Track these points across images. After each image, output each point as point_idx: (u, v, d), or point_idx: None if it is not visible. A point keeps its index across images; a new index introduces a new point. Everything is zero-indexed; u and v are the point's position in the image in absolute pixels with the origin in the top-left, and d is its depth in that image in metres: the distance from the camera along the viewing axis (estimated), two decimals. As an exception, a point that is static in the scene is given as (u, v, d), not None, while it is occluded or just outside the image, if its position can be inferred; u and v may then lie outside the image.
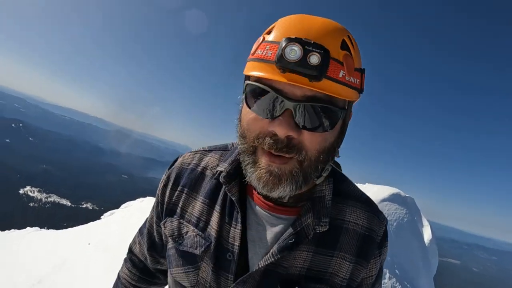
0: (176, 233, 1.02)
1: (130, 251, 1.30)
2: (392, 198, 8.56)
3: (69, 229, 9.87)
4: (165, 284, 1.25)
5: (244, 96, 0.86)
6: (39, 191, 76.49)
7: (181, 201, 1.05)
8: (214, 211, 0.99)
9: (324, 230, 0.93)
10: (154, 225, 1.15)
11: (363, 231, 0.99)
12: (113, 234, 7.94)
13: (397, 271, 7.20)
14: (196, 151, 1.13)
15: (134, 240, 1.28)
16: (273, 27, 0.84)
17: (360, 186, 8.29)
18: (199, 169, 1.07)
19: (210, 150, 1.12)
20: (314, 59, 0.74)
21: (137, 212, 9.86)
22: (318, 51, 0.74)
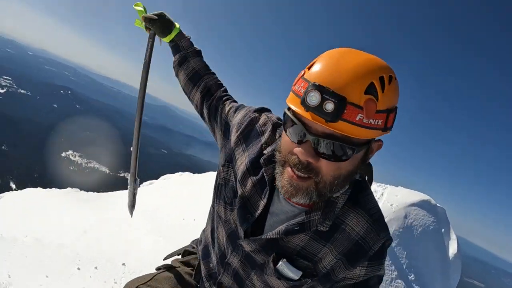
0: (228, 178, 1.32)
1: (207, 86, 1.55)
2: (422, 204, 8.37)
3: (109, 192, 10.38)
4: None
5: (283, 121, 1.05)
6: (80, 156, 79.71)
7: (237, 154, 1.30)
8: (251, 180, 1.22)
9: (324, 230, 1.11)
10: (218, 103, 1.47)
11: (357, 238, 1.12)
12: (151, 201, 8.20)
13: (413, 275, 7.14)
14: (269, 117, 1.32)
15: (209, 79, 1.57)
16: (313, 63, 0.97)
17: (392, 188, 8.20)
18: (257, 128, 1.29)
19: (277, 122, 1.30)
20: (329, 106, 0.87)
21: (175, 184, 10.23)
22: (334, 100, 0.87)
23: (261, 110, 1.35)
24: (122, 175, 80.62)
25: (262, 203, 1.18)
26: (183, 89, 1.63)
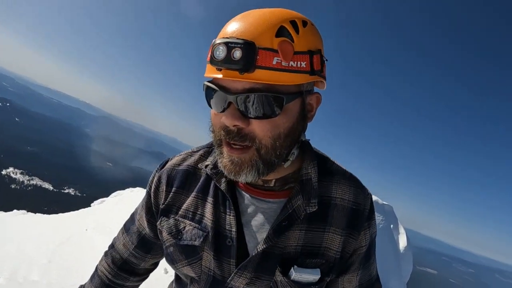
0: (174, 230, 1.07)
1: (112, 246, 1.32)
2: (368, 204, 9.31)
3: (61, 214, 9.92)
4: (140, 282, 1.35)
5: (205, 96, 0.93)
6: (21, 173, 75.97)
7: (175, 201, 1.10)
8: (207, 203, 1.05)
9: (314, 210, 0.99)
10: (146, 223, 1.20)
11: (350, 205, 1.04)
12: (110, 221, 7.98)
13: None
14: (184, 153, 1.20)
15: (118, 236, 1.32)
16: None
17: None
18: (190, 168, 1.13)
19: (198, 150, 1.18)
20: (237, 53, 0.80)
21: (128, 201, 9.84)
22: (240, 45, 0.80)
23: (163, 166, 1.19)
24: (66, 191, 78.36)
25: (231, 218, 1.01)
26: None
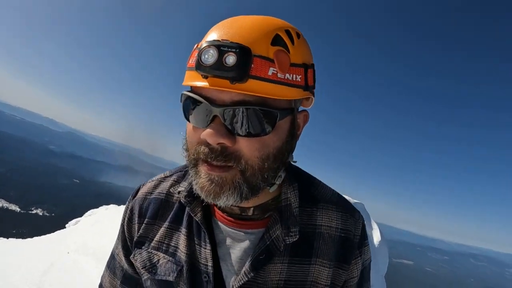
0: (148, 264, 0.99)
1: (101, 286, 1.19)
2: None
3: (37, 238, 9.75)
4: None
5: (181, 106, 0.83)
6: (-14, 195, 74.18)
7: (148, 232, 1.01)
8: (181, 234, 0.96)
9: (295, 240, 0.90)
10: (124, 258, 1.10)
11: (338, 233, 0.95)
12: (90, 241, 7.76)
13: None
14: (156, 178, 1.10)
15: (103, 275, 1.19)
16: (208, 33, 0.80)
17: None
18: (162, 196, 1.04)
19: (171, 174, 1.09)
20: (230, 59, 0.70)
21: (105, 220, 9.66)
22: (234, 50, 0.70)
23: (134, 196, 1.10)
24: (34, 211, 75.93)
25: (207, 251, 0.91)
26: None
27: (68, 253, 7.55)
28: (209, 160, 0.78)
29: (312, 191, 0.99)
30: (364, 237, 1.00)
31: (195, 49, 0.80)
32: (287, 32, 0.79)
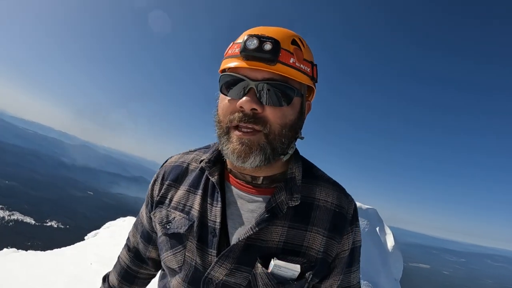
0: (164, 220, 1.17)
1: (128, 238, 1.43)
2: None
3: (56, 250, 9.64)
4: (154, 271, 1.42)
5: (220, 87, 1.06)
6: (1, 209, 74.17)
7: (169, 194, 1.21)
8: (197, 195, 1.15)
9: (296, 204, 1.07)
10: (145, 215, 1.31)
11: (333, 208, 1.12)
12: (111, 253, 7.90)
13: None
14: (183, 152, 1.31)
15: (132, 229, 1.43)
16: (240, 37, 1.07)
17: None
18: (184, 165, 1.24)
19: (195, 150, 1.30)
20: (268, 46, 0.96)
21: (123, 231, 9.95)
22: (271, 41, 0.97)
23: (163, 165, 1.32)
24: (49, 224, 76.45)
25: (217, 210, 1.08)
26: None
27: (91, 264, 7.50)
28: (242, 123, 0.99)
29: (313, 171, 1.19)
30: (356, 218, 1.17)
31: (233, 44, 1.05)
32: (299, 39, 1.06)
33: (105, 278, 1.50)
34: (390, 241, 10.54)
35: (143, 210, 1.35)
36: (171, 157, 1.32)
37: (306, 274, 1.06)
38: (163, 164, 1.31)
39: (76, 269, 7.18)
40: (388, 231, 10.80)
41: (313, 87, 1.12)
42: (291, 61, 1.00)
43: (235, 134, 1.01)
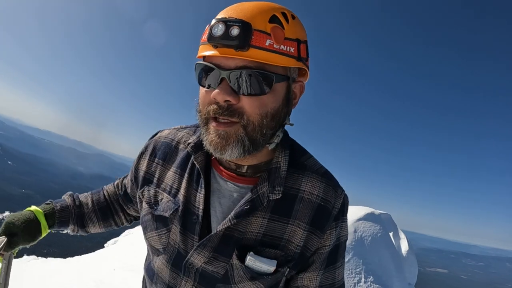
0: (152, 200, 1.14)
1: (115, 181, 1.48)
2: (367, 217, 9.59)
3: (76, 257, 9.76)
4: (128, 223, 1.48)
5: (196, 77, 0.97)
6: (17, 216, 74.72)
7: (157, 172, 1.18)
8: (183, 179, 1.11)
9: (277, 197, 1.02)
10: (129, 182, 1.33)
11: (318, 201, 1.05)
12: (133, 259, 7.96)
13: (371, 277, 8.20)
14: (173, 128, 1.26)
15: (122, 178, 1.46)
16: None
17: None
18: (174, 143, 1.19)
19: (186, 127, 1.24)
20: (235, 31, 0.86)
21: (142, 238, 9.45)
22: (238, 24, 0.86)
23: (152, 137, 1.29)
24: (65, 231, 72.21)
25: (201, 196, 1.06)
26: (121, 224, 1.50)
27: (114, 270, 7.51)
28: (217, 115, 0.93)
29: (302, 160, 1.11)
30: (343, 213, 1.11)
31: (207, 28, 0.93)
32: (283, 14, 0.94)
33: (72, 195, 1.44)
34: (404, 246, 10.52)
35: (127, 176, 1.37)
36: (162, 130, 1.28)
37: (283, 269, 1.04)
38: (153, 136, 1.28)
39: (100, 275, 7.22)
40: (402, 235, 10.80)
41: (304, 67, 1.00)
42: (267, 44, 0.89)
43: (212, 125, 0.96)
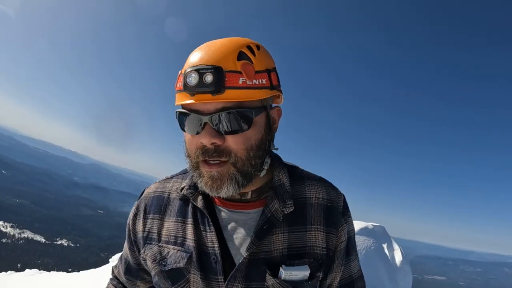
0: (158, 257, 1.11)
1: (113, 272, 1.41)
2: (360, 232, 9.84)
3: (82, 272, 9.36)
4: None
5: (177, 122, 1.02)
6: (12, 227, 74.26)
7: (155, 228, 1.16)
8: (187, 225, 1.10)
9: (291, 210, 1.07)
10: (128, 251, 1.26)
11: (325, 203, 1.12)
12: None
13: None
14: (159, 180, 1.27)
15: (116, 263, 1.39)
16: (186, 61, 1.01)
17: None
18: (165, 194, 1.20)
19: (172, 176, 1.25)
20: (208, 78, 0.91)
21: None
22: (210, 70, 0.91)
23: (140, 196, 1.28)
24: (59, 242, 76.07)
25: (212, 234, 1.06)
26: None
27: None
28: (207, 159, 0.98)
29: (298, 173, 1.18)
30: (347, 209, 1.17)
31: (180, 75, 0.99)
32: (249, 48, 0.99)
33: None
34: (398, 256, 10.54)
35: (125, 246, 1.29)
36: (147, 187, 1.28)
37: (319, 273, 1.08)
38: (141, 195, 1.27)
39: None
40: (396, 247, 10.90)
41: (277, 93, 1.05)
42: (240, 82, 0.94)
43: (204, 168, 1.00)
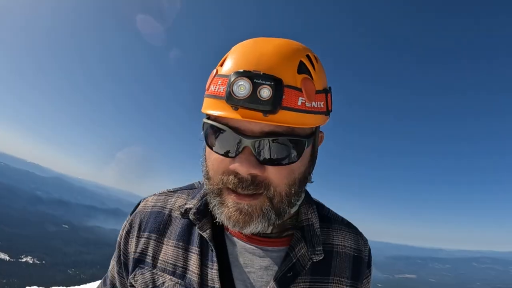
0: (150, 286, 0.93)
1: None
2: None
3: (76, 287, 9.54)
4: None
5: (203, 135, 0.83)
6: (-27, 248, 73.18)
7: (150, 249, 0.96)
8: (191, 253, 0.92)
9: (320, 259, 0.92)
10: (116, 275, 1.05)
11: (352, 253, 0.99)
12: None
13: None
14: (160, 192, 1.06)
15: (98, 285, 1.14)
16: (226, 57, 0.81)
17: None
18: (166, 211, 1.00)
19: (175, 190, 1.06)
20: (265, 92, 0.71)
21: None
22: (269, 83, 0.71)
23: (134, 209, 1.06)
24: (24, 260, 74.49)
25: (213, 272, 0.87)
26: None
27: None
28: (238, 190, 0.79)
29: (325, 213, 1.04)
30: (371, 258, 1.06)
31: (215, 76, 0.80)
32: (308, 58, 0.81)
33: None
34: None
35: (112, 268, 1.09)
36: (145, 199, 1.08)
37: None
38: (136, 208, 1.07)
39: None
40: None
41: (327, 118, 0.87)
42: (299, 103, 0.75)
43: (231, 197, 0.81)
